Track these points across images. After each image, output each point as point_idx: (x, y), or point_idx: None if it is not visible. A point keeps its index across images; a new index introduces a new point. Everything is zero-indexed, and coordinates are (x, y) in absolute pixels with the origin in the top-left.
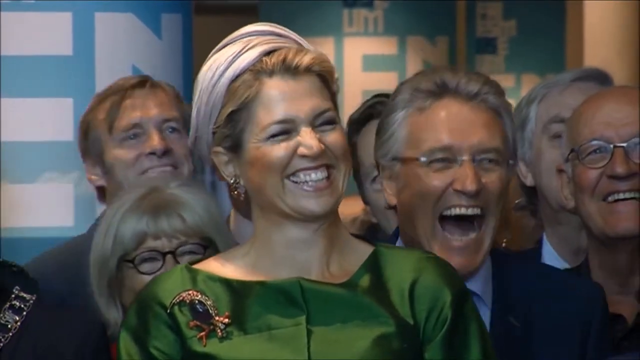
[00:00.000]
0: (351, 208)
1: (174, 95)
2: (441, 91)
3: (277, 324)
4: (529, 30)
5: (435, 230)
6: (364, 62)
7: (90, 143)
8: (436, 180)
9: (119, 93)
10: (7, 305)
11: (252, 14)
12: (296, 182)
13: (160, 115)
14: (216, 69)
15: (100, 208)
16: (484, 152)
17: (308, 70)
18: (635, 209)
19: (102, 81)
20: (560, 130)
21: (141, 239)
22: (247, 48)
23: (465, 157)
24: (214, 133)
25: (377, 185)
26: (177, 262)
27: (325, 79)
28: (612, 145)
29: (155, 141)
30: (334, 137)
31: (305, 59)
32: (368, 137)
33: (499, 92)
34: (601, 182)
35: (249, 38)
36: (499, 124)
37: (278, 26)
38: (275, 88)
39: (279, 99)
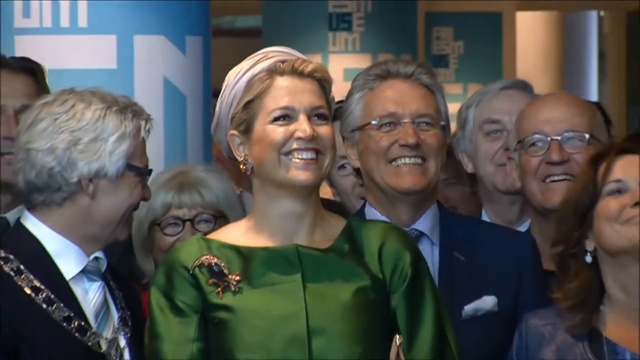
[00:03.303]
0: (324, 188)
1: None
2: (386, 74)
3: (278, 280)
4: (473, 49)
5: (387, 168)
6: (344, 74)
7: None
8: (384, 140)
9: None
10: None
11: (257, 36)
12: (291, 160)
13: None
14: (240, 70)
15: None
16: (421, 116)
17: (311, 75)
18: (566, 187)
19: (140, 88)
20: (491, 129)
21: (167, 208)
22: (266, 57)
23: (407, 120)
24: (232, 119)
25: (342, 171)
26: (194, 228)
27: (324, 86)
28: (549, 139)
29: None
30: (324, 130)
31: (310, 67)
32: (336, 134)
33: (430, 73)
34: (541, 167)
35: (269, 52)
36: (431, 97)
37: (292, 50)
38: (283, 83)
39: (285, 92)
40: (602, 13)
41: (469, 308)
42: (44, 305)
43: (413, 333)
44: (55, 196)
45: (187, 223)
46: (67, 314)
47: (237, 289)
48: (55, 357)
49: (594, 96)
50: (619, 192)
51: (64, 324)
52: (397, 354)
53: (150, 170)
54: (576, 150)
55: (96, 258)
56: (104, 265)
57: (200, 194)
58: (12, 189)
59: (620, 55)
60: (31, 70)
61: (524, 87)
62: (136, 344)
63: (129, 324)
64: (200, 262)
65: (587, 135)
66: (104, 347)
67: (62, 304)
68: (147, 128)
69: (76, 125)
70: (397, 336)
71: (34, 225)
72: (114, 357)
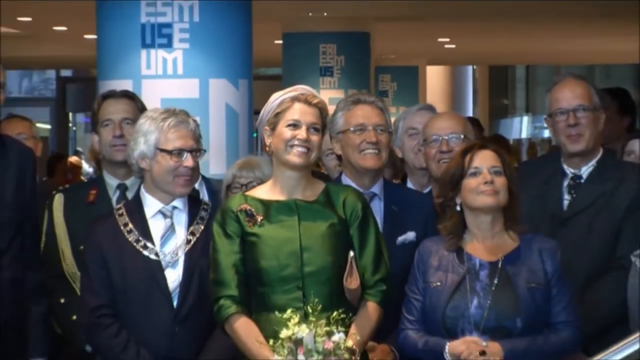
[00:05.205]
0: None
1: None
2: (357, 101)
3: (284, 219)
4: (402, 87)
5: (358, 155)
6: (329, 102)
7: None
8: (357, 139)
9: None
10: (202, 206)
11: (278, 80)
12: (292, 150)
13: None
14: (277, 95)
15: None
16: (378, 125)
17: (316, 105)
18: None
19: (212, 110)
20: (412, 133)
21: (234, 178)
22: (293, 90)
23: (370, 128)
24: (267, 120)
25: (329, 157)
26: (247, 189)
27: (322, 112)
28: (441, 138)
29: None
30: (315, 137)
31: (316, 99)
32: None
33: (382, 101)
34: (437, 154)
35: (297, 88)
36: (383, 115)
37: (309, 87)
38: (298, 106)
39: (298, 111)
40: (475, 67)
41: (400, 239)
42: (126, 233)
43: (362, 250)
44: (135, 172)
45: (243, 187)
46: (138, 237)
47: (260, 224)
48: (125, 263)
49: (470, 114)
50: (475, 174)
51: (134, 244)
52: (351, 263)
53: (202, 150)
54: (456, 145)
55: (174, 206)
56: (180, 212)
57: (253, 171)
58: (128, 166)
59: (485, 91)
60: (129, 96)
61: (430, 108)
62: (194, 255)
63: (191, 243)
64: (241, 208)
65: (462, 136)
66: (160, 256)
67: (137, 232)
68: (169, 124)
69: (137, 128)
70: (351, 252)
71: (141, 189)
72: (167, 264)
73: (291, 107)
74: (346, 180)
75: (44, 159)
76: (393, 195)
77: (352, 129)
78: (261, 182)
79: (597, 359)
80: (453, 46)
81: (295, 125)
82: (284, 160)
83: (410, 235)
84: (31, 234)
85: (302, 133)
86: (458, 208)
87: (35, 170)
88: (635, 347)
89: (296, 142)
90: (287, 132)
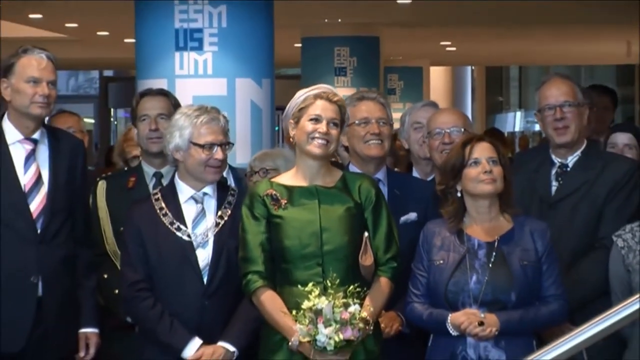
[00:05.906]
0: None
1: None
2: (361, 97)
3: (306, 203)
4: (408, 85)
5: (363, 145)
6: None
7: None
8: (362, 131)
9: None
10: (230, 192)
11: (297, 79)
12: (313, 141)
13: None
14: (302, 92)
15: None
16: (380, 119)
17: (335, 102)
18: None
19: (238, 106)
20: (417, 126)
21: (253, 166)
22: (317, 88)
23: (373, 121)
24: (292, 115)
25: (342, 148)
26: (266, 177)
27: (341, 109)
28: (443, 131)
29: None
30: (334, 131)
31: (336, 97)
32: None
33: (385, 97)
34: (439, 146)
35: (320, 86)
36: (385, 109)
37: (330, 86)
38: (319, 103)
39: (320, 107)
40: (473, 67)
41: (403, 218)
42: (161, 216)
43: (375, 231)
44: (170, 162)
45: (255, 174)
46: (172, 220)
47: (284, 207)
48: (160, 243)
49: (469, 111)
50: (475, 164)
51: (169, 225)
52: (365, 242)
53: (230, 143)
54: (457, 137)
55: (204, 193)
56: (210, 198)
57: (264, 161)
58: (163, 156)
59: (482, 89)
60: (164, 94)
61: (433, 104)
62: (223, 236)
63: (220, 225)
64: (267, 193)
65: (462, 129)
66: (192, 237)
67: (171, 215)
68: (202, 121)
69: (172, 123)
70: (366, 233)
71: (175, 177)
72: (198, 244)
73: (314, 103)
74: (353, 168)
75: (90, 150)
76: (396, 181)
77: (357, 122)
78: (274, 170)
79: (582, 329)
80: (454, 49)
81: (316, 120)
82: (306, 150)
83: (412, 215)
84: (82, 217)
85: (322, 127)
86: (459, 194)
87: (85, 159)
88: (615, 319)
89: (317, 135)
90: (309, 126)
